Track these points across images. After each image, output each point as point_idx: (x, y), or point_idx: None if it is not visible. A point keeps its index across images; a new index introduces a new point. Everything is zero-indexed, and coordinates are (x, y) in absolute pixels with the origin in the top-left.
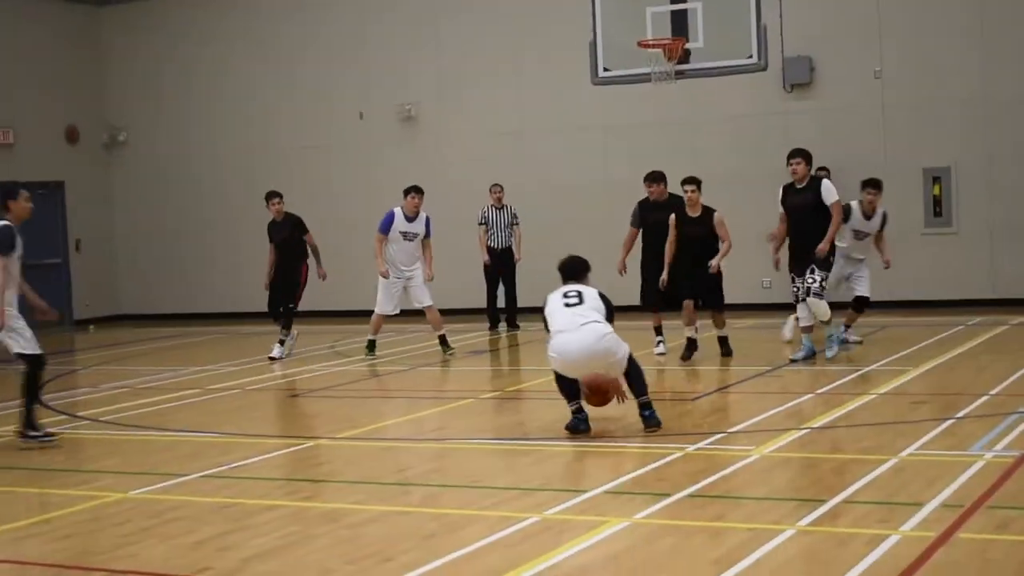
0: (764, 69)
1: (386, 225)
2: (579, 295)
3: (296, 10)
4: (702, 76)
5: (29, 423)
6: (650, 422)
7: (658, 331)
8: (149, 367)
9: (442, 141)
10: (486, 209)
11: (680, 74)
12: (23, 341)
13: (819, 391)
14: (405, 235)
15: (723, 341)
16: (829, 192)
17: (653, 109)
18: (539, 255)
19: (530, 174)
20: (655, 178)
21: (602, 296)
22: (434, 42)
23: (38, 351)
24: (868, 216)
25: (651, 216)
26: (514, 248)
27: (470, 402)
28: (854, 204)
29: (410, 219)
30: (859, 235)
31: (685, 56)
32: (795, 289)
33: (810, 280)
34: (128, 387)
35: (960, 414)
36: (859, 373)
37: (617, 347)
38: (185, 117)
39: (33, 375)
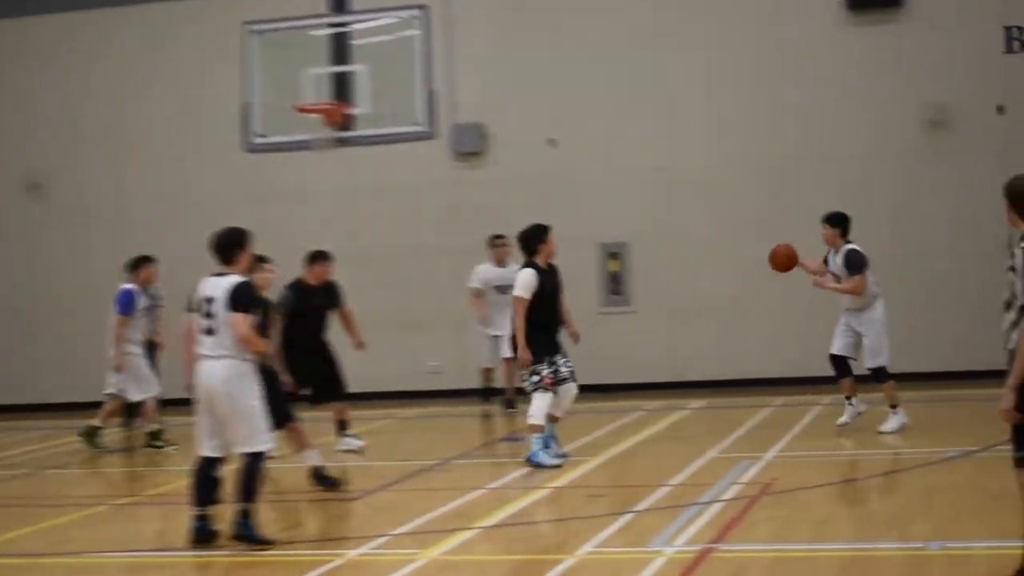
0: (432, 137)
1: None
2: (214, 315)
3: None
4: (366, 144)
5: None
6: (238, 532)
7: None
8: None
9: (76, 213)
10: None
11: (342, 141)
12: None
13: (491, 486)
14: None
15: (319, 475)
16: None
17: (314, 179)
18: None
19: (183, 252)
20: (320, 257)
21: (237, 293)
22: (69, 104)
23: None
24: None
25: (311, 301)
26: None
27: (103, 509)
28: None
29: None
30: (837, 279)
31: (348, 122)
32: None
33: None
34: None
35: (639, 507)
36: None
37: (246, 395)
38: None
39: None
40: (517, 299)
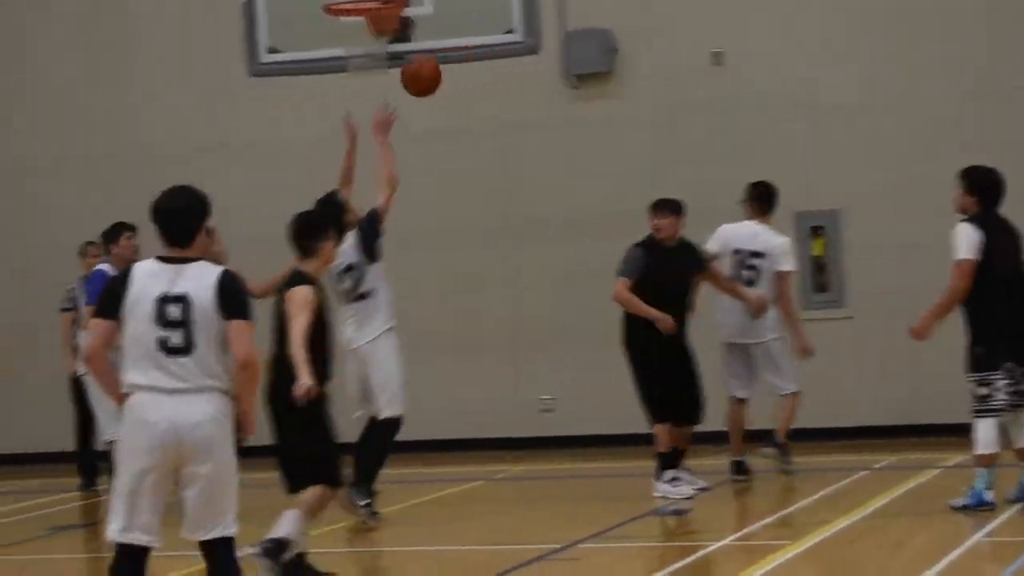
0: (535, 51)
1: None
2: (185, 324)
3: None
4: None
5: None
6: None
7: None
8: None
9: None
10: (77, 285)
11: (397, 58)
12: None
13: None
14: None
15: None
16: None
17: (353, 114)
18: None
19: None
20: (666, 208)
21: (226, 293)
22: None
23: None
24: None
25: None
26: None
27: None
28: None
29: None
30: None
31: (404, 29)
32: None
33: None
34: None
35: None
36: (706, 551)
37: (223, 442)
38: None
39: None
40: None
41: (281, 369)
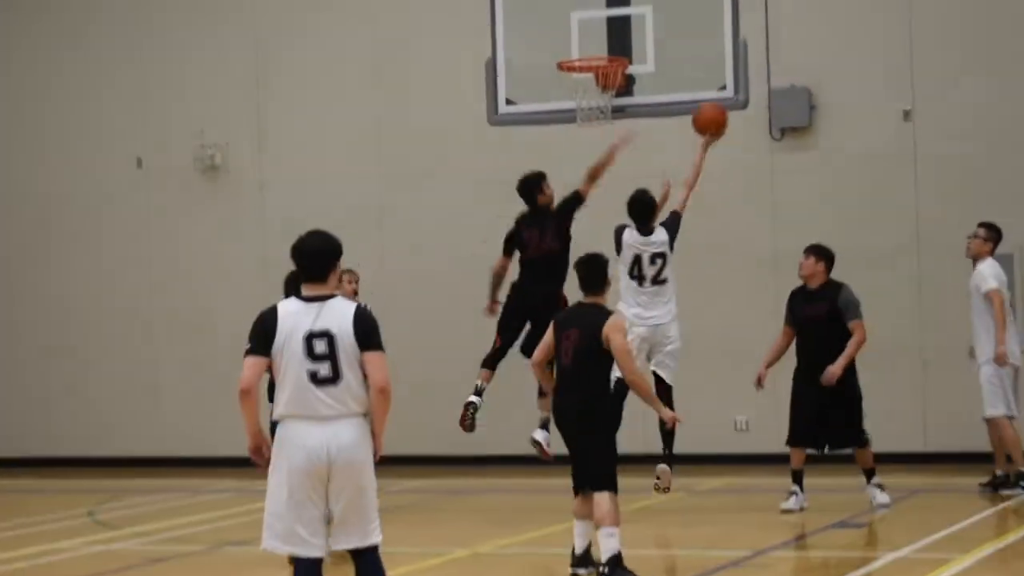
0: (744, 107)
1: None
2: (332, 356)
3: (44, 11)
4: (652, 115)
5: None
6: None
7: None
8: None
9: (260, 201)
10: None
11: (620, 111)
12: None
13: None
14: None
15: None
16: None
17: (580, 160)
18: (409, 361)
19: (391, 255)
20: (806, 251)
21: (362, 324)
22: (254, 58)
23: None
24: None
25: (805, 309)
26: None
27: None
28: None
29: None
30: None
31: (627, 85)
32: None
33: None
34: None
35: None
36: (878, 563)
37: (366, 462)
38: None
39: None
40: None
41: (588, 386)
